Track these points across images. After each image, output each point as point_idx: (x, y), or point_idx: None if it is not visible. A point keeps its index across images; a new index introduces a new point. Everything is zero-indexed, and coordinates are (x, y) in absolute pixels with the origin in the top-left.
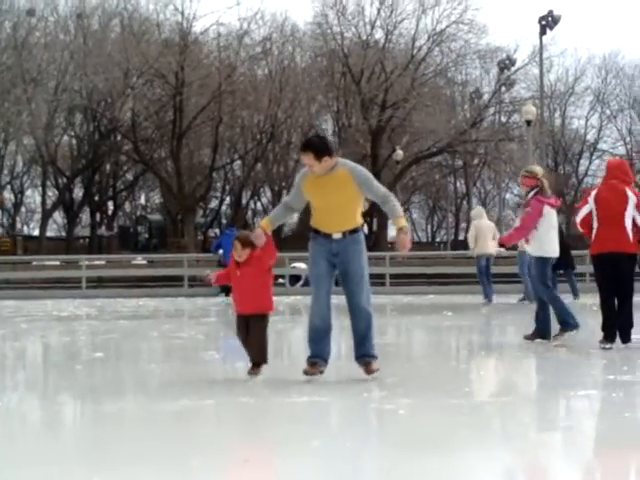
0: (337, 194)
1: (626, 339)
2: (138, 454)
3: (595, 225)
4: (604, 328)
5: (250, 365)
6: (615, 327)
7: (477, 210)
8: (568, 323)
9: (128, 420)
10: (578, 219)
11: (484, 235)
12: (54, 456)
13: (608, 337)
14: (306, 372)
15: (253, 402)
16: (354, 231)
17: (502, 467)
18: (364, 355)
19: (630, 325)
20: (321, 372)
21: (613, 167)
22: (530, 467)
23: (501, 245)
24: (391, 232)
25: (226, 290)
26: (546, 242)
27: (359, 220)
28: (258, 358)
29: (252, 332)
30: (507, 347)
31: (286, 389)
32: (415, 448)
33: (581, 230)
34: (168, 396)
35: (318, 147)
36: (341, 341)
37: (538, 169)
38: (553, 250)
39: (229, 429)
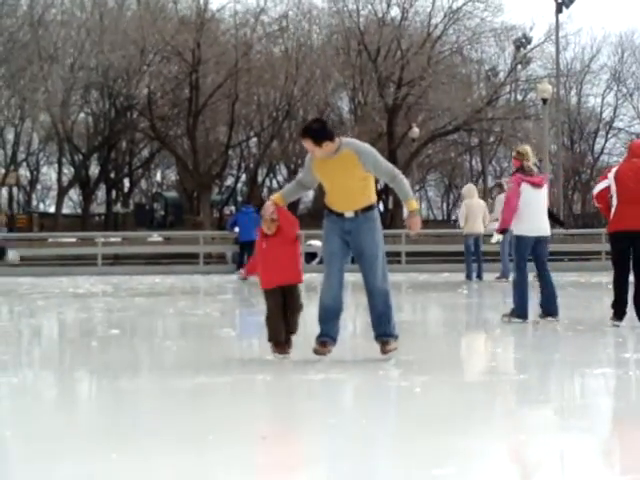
0: (344, 176)
1: None
2: (154, 430)
3: (614, 203)
4: (615, 305)
5: (286, 340)
6: (626, 305)
7: (468, 188)
8: (519, 311)
9: (144, 396)
10: (595, 192)
11: (474, 215)
12: (71, 432)
13: (618, 314)
14: (316, 351)
15: (270, 379)
16: (367, 209)
17: (518, 445)
18: (381, 334)
19: None
20: (329, 351)
21: (636, 146)
22: (546, 445)
23: (501, 232)
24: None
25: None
26: (521, 220)
27: (372, 197)
28: (294, 330)
29: (293, 305)
30: (522, 325)
31: (302, 366)
32: (430, 426)
33: (597, 204)
34: (184, 373)
35: (316, 133)
36: (357, 318)
37: (526, 150)
38: (528, 229)
39: (245, 406)
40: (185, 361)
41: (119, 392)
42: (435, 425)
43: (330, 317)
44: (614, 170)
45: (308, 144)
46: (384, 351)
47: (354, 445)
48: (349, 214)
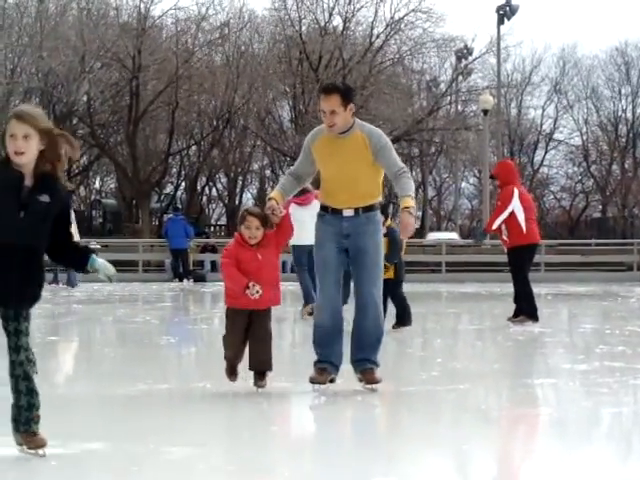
0: (351, 161)
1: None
2: (91, 436)
3: (523, 220)
4: (532, 309)
5: (253, 375)
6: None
7: None
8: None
9: (81, 403)
10: (500, 221)
11: None
12: (2, 438)
13: (536, 316)
14: (312, 380)
15: (209, 387)
16: (369, 208)
17: (457, 456)
18: (365, 359)
19: None
20: (331, 381)
21: (515, 169)
22: (484, 456)
23: None
24: None
25: (180, 276)
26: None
27: (377, 196)
28: (266, 365)
29: (258, 332)
30: (463, 334)
31: (243, 374)
32: (371, 434)
33: (494, 230)
34: (122, 380)
35: (345, 90)
36: (295, 328)
37: None
38: (298, 239)
39: (184, 413)
40: (124, 368)
41: (56, 399)
42: (376, 434)
43: (329, 339)
44: (516, 195)
45: (333, 102)
46: (370, 381)
47: (295, 451)
48: (348, 212)
